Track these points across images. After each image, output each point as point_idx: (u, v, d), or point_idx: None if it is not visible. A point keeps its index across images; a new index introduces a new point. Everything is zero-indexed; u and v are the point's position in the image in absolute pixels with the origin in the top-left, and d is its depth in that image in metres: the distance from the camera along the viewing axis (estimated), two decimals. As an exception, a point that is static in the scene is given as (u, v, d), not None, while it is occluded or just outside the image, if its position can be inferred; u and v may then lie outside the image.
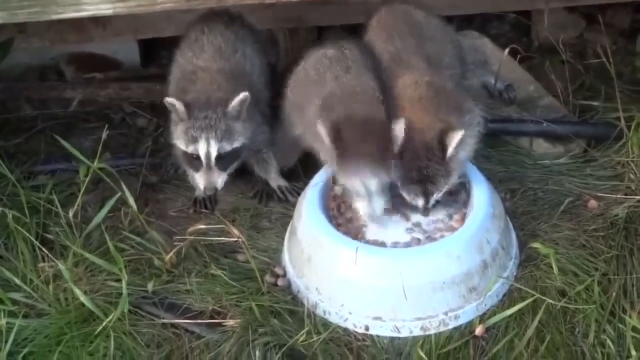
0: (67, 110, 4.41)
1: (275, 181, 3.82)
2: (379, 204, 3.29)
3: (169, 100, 3.46)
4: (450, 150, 3.22)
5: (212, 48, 3.72)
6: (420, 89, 3.38)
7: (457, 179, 3.36)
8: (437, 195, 3.32)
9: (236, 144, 3.50)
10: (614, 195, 3.63)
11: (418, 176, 3.27)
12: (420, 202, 3.33)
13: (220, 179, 3.51)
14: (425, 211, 3.35)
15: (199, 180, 3.52)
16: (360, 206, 3.31)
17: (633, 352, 3.00)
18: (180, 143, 3.50)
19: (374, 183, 3.22)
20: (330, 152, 3.27)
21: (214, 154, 3.46)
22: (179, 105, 3.44)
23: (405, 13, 3.75)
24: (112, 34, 4.43)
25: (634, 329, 3.06)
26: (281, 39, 4.52)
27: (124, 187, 3.49)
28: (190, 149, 3.47)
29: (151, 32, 4.44)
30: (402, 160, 3.25)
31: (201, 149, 3.45)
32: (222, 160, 3.49)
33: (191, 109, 3.45)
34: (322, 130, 3.24)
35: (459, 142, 3.22)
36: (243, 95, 3.45)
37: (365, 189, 3.24)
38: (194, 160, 3.49)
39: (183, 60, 3.75)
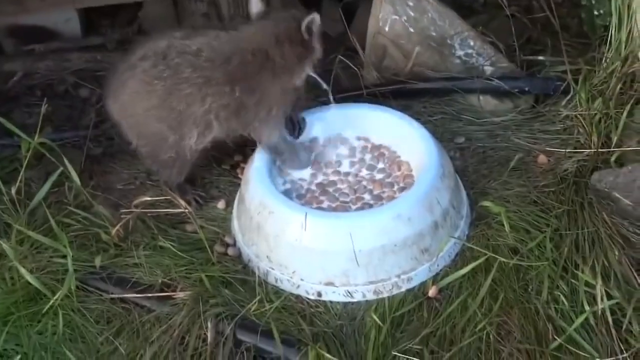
0: (8, 84, 4.30)
1: None
2: None
3: None
4: None
5: None
6: None
7: None
8: None
9: None
10: (564, 150, 3.62)
11: None
12: None
13: None
14: None
15: None
16: None
17: (587, 307, 3.00)
18: None
19: None
20: None
21: None
22: None
23: None
24: (50, 5, 4.33)
25: (586, 284, 3.06)
26: (224, 6, 4.40)
27: (65, 161, 3.41)
28: None
29: (90, 1, 4.35)
30: None
31: None
32: None
33: None
34: None
35: None
36: None
37: None
38: None
39: None
